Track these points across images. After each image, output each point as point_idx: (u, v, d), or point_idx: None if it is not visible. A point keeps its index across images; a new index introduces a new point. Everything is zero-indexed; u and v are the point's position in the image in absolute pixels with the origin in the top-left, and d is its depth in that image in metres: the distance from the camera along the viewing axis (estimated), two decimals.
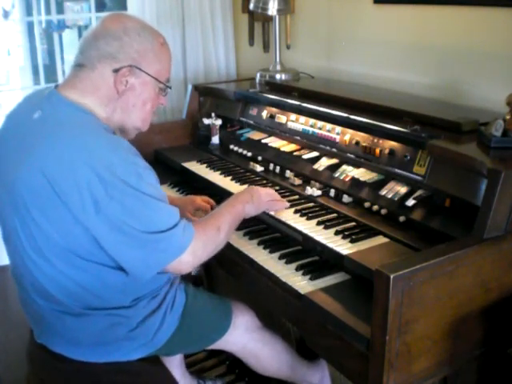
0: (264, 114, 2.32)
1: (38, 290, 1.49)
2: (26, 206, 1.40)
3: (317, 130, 2.06)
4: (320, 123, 2.05)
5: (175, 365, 1.88)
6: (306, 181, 1.94)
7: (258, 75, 2.69)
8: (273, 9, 2.57)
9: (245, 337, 1.77)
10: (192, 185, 2.21)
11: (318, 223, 1.67)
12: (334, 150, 1.96)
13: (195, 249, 1.44)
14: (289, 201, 1.82)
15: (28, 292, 1.53)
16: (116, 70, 1.46)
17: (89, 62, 1.47)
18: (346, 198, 1.78)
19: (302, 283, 1.48)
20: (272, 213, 1.75)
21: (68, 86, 1.49)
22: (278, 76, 2.62)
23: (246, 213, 1.67)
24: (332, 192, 1.83)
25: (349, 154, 1.90)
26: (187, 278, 1.81)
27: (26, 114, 1.48)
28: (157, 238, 1.37)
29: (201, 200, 1.93)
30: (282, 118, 2.23)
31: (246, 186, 1.95)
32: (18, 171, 1.40)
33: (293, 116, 2.18)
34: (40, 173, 1.36)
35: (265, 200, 1.72)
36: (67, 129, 1.40)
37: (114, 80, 1.47)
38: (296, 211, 1.75)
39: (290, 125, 2.18)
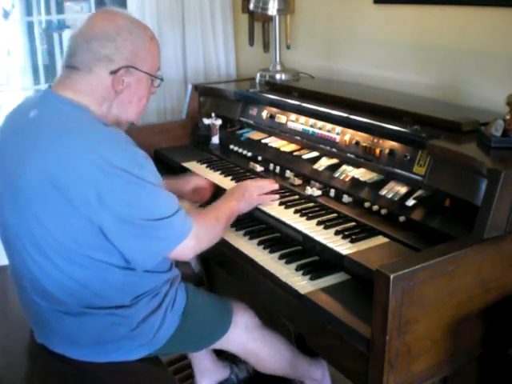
0: (264, 114, 2.32)
1: (38, 290, 1.49)
2: (28, 204, 1.41)
3: (317, 130, 2.06)
4: (320, 123, 2.05)
5: (203, 354, 1.95)
6: (306, 181, 1.94)
7: (258, 75, 2.69)
8: (273, 9, 2.57)
9: (245, 336, 1.78)
10: None
11: (318, 223, 1.67)
12: (334, 150, 1.96)
13: (198, 233, 1.48)
14: (289, 201, 1.83)
15: (27, 292, 1.53)
16: (113, 72, 1.48)
17: (83, 65, 1.47)
18: (345, 198, 1.78)
19: (302, 283, 1.48)
20: (264, 208, 1.78)
21: (62, 86, 1.49)
22: (277, 76, 2.62)
23: (240, 210, 1.72)
24: (332, 192, 1.83)
25: (349, 154, 1.90)
26: (187, 278, 1.82)
27: (23, 113, 1.50)
28: (158, 225, 1.40)
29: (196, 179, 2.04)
30: (282, 118, 2.23)
31: None
32: (19, 170, 1.41)
33: (293, 116, 2.18)
34: (41, 173, 1.37)
35: (255, 195, 1.79)
36: (64, 125, 1.41)
37: (111, 81, 1.49)
38: (296, 211, 1.75)
39: (290, 125, 2.18)
